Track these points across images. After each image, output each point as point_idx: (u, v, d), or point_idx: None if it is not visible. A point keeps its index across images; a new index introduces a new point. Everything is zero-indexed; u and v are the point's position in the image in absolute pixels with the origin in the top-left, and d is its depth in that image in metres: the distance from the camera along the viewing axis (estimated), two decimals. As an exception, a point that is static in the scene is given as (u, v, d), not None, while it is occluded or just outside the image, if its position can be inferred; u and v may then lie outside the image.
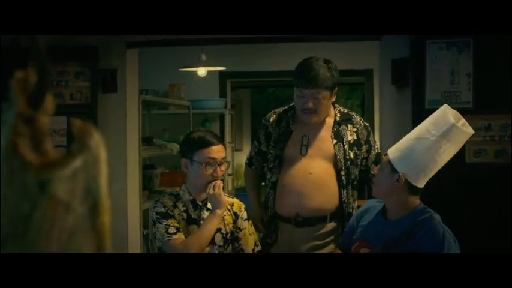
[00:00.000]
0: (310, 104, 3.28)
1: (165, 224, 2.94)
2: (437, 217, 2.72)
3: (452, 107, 4.22)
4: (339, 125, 3.42)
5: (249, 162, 3.62)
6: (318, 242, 3.33)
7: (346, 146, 3.38)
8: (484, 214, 4.27)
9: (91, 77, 4.87)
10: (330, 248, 3.33)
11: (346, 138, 3.40)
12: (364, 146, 3.45)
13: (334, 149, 3.36)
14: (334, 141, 3.38)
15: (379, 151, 3.54)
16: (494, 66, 4.34)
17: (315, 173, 3.31)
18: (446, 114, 2.66)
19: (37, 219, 0.74)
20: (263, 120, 3.54)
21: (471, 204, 4.25)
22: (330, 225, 3.36)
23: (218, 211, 2.93)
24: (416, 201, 2.77)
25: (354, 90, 13.89)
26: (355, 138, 3.43)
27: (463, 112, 4.30)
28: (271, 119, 3.48)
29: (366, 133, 3.48)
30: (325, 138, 3.39)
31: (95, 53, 4.85)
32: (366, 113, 7.60)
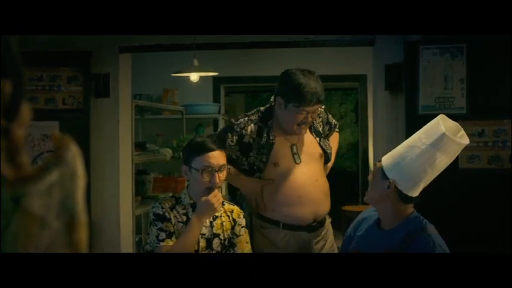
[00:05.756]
0: (310, 120, 3.26)
1: (158, 228, 2.93)
2: (430, 228, 2.69)
3: (445, 113, 4.20)
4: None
5: None
6: (325, 239, 3.42)
7: (323, 138, 3.47)
8: (478, 220, 4.26)
9: (84, 81, 4.85)
10: (331, 240, 3.45)
11: (320, 130, 3.47)
12: (326, 127, 3.55)
13: (320, 146, 3.41)
14: (317, 138, 3.43)
15: (336, 124, 3.66)
16: (487, 72, 4.34)
17: (319, 179, 3.36)
18: (438, 124, 2.64)
19: (11, 235, 0.71)
20: (236, 127, 3.33)
21: (464, 210, 4.25)
22: (328, 219, 3.50)
23: (203, 217, 2.92)
24: (408, 210, 2.75)
25: (348, 96, 13.90)
26: (323, 126, 3.52)
27: (457, 118, 4.31)
28: (249, 128, 3.32)
29: (325, 116, 3.55)
30: (309, 141, 3.39)
31: (87, 57, 4.83)
32: (360, 118, 7.59)
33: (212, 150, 2.94)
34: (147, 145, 6.07)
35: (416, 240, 2.63)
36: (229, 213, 3.10)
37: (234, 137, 3.31)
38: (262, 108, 3.44)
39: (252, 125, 3.33)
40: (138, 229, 5.77)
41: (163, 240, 2.91)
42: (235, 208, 3.16)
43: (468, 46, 4.32)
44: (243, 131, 3.31)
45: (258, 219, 3.36)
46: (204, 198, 2.91)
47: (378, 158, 2.96)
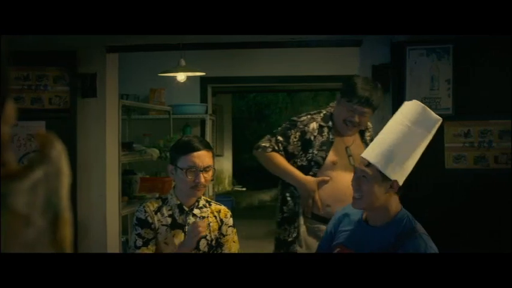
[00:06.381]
0: (356, 119, 3.47)
1: (137, 234, 2.95)
2: (419, 227, 2.69)
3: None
4: (363, 133, 3.70)
5: (274, 149, 3.58)
6: None
7: None
8: (464, 220, 4.28)
9: (70, 81, 4.83)
10: None
11: (368, 142, 3.59)
12: None
13: None
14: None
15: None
16: (473, 73, 4.36)
17: None
18: (410, 103, 2.73)
19: (-4, 233, 0.71)
20: (299, 123, 3.58)
21: (451, 210, 4.27)
22: None
23: (186, 248, 2.93)
24: (398, 205, 2.74)
25: (335, 96, 13.93)
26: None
27: (443, 118, 4.34)
28: (311, 126, 3.55)
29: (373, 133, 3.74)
30: (360, 149, 3.50)
31: (73, 57, 4.81)
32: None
33: (197, 150, 2.94)
34: (134, 145, 6.06)
35: (408, 243, 2.62)
36: (216, 214, 3.09)
37: (297, 133, 3.54)
38: (324, 110, 3.66)
39: (314, 123, 3.55)
40: (124, 229, 5.75)
41: (139, 248, 2.93)
42: (223, 208, 3.15)
43: (454, 47, 4.34)
44: (306, 127, 3.53)
45: (310, 218, 3.49)
46: (192, 223, 2.94)
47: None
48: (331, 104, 3.70)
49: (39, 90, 4.83)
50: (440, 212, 4.24)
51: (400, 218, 2.70)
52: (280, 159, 3.56)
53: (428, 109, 2.73)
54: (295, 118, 3.64)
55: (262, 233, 8.67)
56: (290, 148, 3.54)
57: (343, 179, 3.42)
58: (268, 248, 7.02)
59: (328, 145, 3.52)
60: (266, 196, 13.23)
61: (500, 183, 4.25)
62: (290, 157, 3.54)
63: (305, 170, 3.51)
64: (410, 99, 4.29)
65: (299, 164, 3.53)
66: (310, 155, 3.52)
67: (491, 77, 4.33)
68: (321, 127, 3.56)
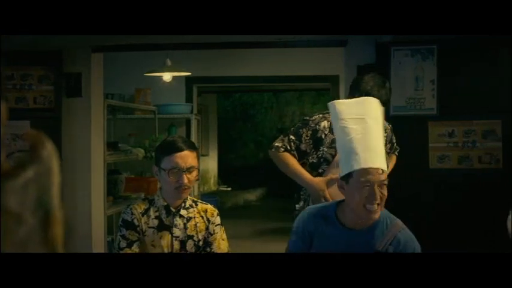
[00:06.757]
0: None
1: (121, 235, 2.94)
2: (399, 222, 2.70)
3: (416, 114, 4.28)
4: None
5: (287, 148, 3.62)
6: None
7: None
8: (448, 219, 4.31)
9: (55, 81, 4.81)
10: None
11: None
12: (388, 145, 3.72)
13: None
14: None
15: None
16: (458, 73, 4.40)
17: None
18: (336, 104, 2.76)
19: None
20: (310, 122, 3.61)
21: (435, 210, 4.30)
22: None
23: None
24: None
25: (321, 96, 13.95)
26: (386, 143, 3.63)
27: (427, 118, 4.39)
28: (323, 124, 3.58)
29: (391, 135, 3.80)
30: None
31: (58, 57, 4.79)
32: (332, 118, 7.62)
33: (180, 150, 2.91)
34: (119, 145, 6.04)
35: (400, 232, 2.62)
36: (203, 214, 3.06)
37: (309, 132, 3.59)
38: None
39: (326, 121, 3.57)
40: (109, 229, 5.74)
41: (122, 249, 2.91)
42: (209, 207, 3.13)
43: (439, 48, 4.37)
44: (317, 126, 3.58)
45: None
46: None
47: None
48: None
49: (23, 89, 4.81)
50: (424, 211, 4.27)
51: (380, 220, 2.67)
52: (292, 160, 3.60)
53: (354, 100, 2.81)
54: (307, 118, 3.70)
55: (248, 233, 8.69)
56: (302, 146, 3.59)
57: None
58: (254, 247, 7.03)
59: None
60: (251, 196, 13.24)
61: (484, 182, 4.29)
62: (303, 155, 3.60)
63: (314, 167, 3.57)
64: (395, 100, 4.35)
65: (310, 161, 3.60)
66: (321, 152, 3.57)
67: (476, 78, 4.37)
68: (331, 124, 3.52)
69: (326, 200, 3.40)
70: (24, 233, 0.72)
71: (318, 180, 3.52)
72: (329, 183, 3.47)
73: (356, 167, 2.55)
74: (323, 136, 3.57)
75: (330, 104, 2.80)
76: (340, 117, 2.69)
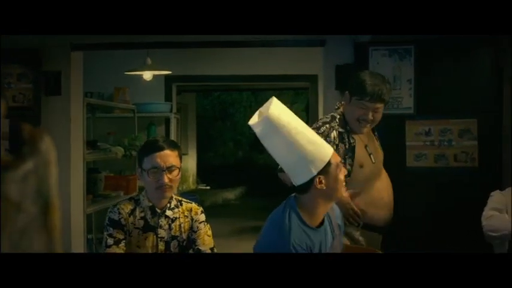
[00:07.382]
0: (370, 116, 3.38)
1: (108, 234, 2.93)
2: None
3: (394, 113, 4.32)
4: (374, 131, 3.64)
5: None
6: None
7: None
8: (424, 217, 4.37)
9: (34, 79, 4.80)
10: None
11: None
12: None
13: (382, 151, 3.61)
14: (379, 143, 3.62)
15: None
16: (434, 73, 4.46)
17: (390, 183, 3.54)
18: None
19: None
20: (319, 136, 3.33)
21: (411, 208, 4.34)
22: None
23: None
24: None
25: (299, 95, 14.02)
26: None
27: (404, 117, 4.45)
28: (332, 135, 3.40)
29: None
30: (375, 144, 3.57)
31: (37, 55, 4.78)
32: (310, 117, 7.66)
33: (160, 150, 2.92)
34: (99, 143, 6.04)
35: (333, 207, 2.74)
36: (187, 213, 3.04)
37: None
38: (336, 113, 3.51)
39: (334, 131, 3.41)
40: (89, 227, 5.73)
41: (109, 247, 2.89)
42: (194, 206, 3.11)
43: (416, 48, 4.43)
44: (328, 138, 3.34)
45: (362, 228, 3.39)
46: None
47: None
48: (338, 104, 3.59)
49: (2, 87, 4.78)
50: (401, 209, 4.32)
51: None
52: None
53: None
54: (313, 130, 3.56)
55: (227, 231, 8.70)
56: None
57: (372, 184, 3.44)
58: (233, 246, 7.04)
59: (351, 151, 3.43)
60: (230, 195, 13.26)
61: (460, 180, 4.36)
62: None
63: None
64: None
65: None
66: None
67: (452, 78, 4.44)
68: (340, 134, 3.44)
69: (355, 212, 3.34)
70: (24, 221, 0.75)
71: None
72: (353, 196, 3.35)
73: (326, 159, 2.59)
74: (335, 147, 3.28)
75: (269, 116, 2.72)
76: (282, 129, 2.65)
